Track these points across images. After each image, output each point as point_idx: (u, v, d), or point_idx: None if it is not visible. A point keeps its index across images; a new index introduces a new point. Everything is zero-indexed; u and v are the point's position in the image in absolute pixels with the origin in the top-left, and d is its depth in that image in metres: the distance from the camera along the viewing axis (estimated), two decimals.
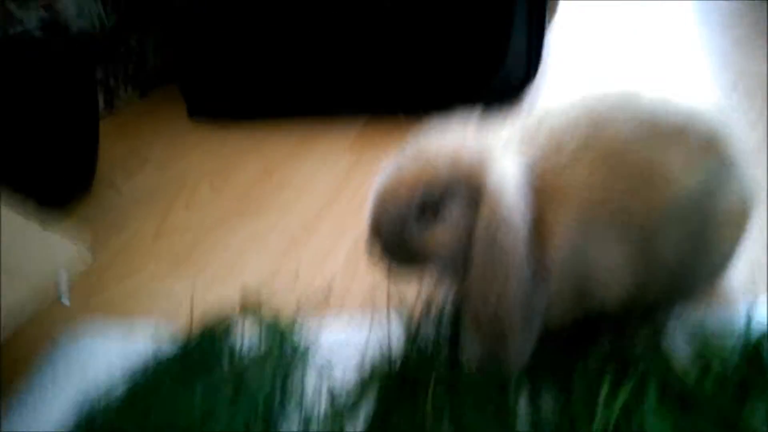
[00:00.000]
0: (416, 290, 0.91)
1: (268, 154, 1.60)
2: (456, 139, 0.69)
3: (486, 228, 0.63)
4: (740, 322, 0.78)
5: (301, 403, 0.74)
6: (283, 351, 0.83)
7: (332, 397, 0.75)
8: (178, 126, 1.89)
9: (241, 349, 0.83)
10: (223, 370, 0.79)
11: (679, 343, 0.76)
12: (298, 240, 1.16)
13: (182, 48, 1.83)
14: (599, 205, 0.65)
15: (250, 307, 0.94)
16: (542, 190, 0.65)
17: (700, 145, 0.67)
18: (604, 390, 0.66)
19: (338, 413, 0.71)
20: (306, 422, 0.71)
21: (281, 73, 1.71)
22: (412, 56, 1.61)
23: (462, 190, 0.66)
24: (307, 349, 0.83)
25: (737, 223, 0.74)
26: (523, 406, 0.71)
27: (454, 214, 0.67)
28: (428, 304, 0.87)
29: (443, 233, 0.68)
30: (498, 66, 1.57)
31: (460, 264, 0.68)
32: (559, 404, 0.70)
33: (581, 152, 0.66)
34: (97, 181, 1.46)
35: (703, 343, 0.75)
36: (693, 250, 0.71)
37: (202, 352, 0.82)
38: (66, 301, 0.84)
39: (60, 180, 1.34)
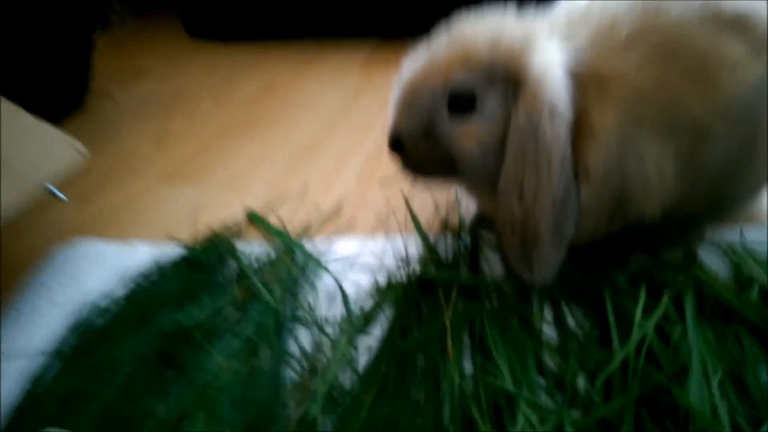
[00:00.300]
0: (433, 209, 0.86)
1: (272, 71, 1.53)
2: (496, 23, 0.61)
3: (528, 114, 0.57)
4: None
5: (312, 314, 0.69)
6: (293, 261, 0.78)
7: (346, 307, 0.70)
8: (176, 44, 1.80)
9: (248, 259, 0.78)
10: (228, 280, 0.74)
11: (714, 259, 0.72)
12: (307, 155, 1.10)
13: None
14: (650, 99, 0.59)
15: (257, 218, 0.89)
16: (589, 78, 0.59)
17: (763, 39, 0.61)
18: (639, 306, 0.61)
19: (352, 324, 0.66)
20: (318, 332, 0.66)
21: None
22: None
23: (502, 76, 0.59)
24: (317, 260, 0.78)
25: None
26: (548, 319, 0.66)
27: (492, 105, 0.60)
28: (446, 220, 0.82)
29: (479, 127, 0.61)
30: None
31: (494, 167, 0.61)
32: (588, 320, 0.66)
33: (635, 37, 0.59)
34: (93, 95, 1.39)
35: (741, 259, 0.70)
36: (740, 157, 0.65)
37: (207, 260, 0.77)
38: (63, 197, 0.79)
39: (52, 94, 1.26)
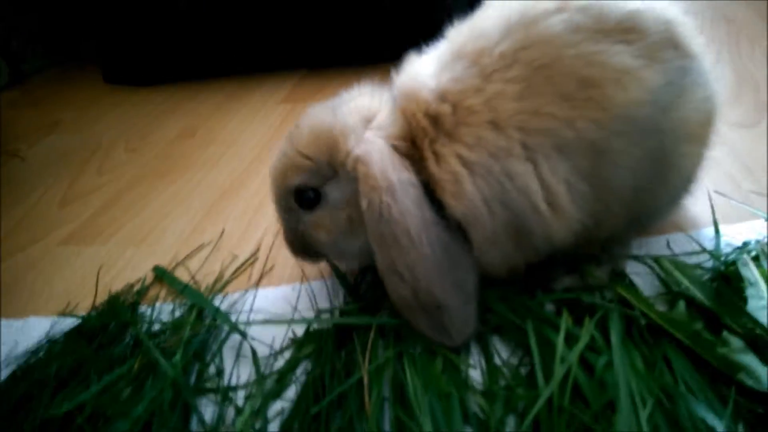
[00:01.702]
0: None
1: (192, 112, 1.46)
2: (318, 120, 0.64)
3: (369, 200, 0.58)
4: (700, 251, 0.71)
5: (217, 381, 0.63)
6: (201, 320, 0.71)
7: (256, 369, 0.64)
8: (94, 92, 1.72)
9: (151, 321, 0.71)
10: (126, 350, 0.67)
11: (642, 274, 0.69)
12: (224, 200, 1.04)
13: (97, 12, 1.65)
14: (524, 125, 0.56)
15: (164, 274, 0.82)
16: (438, 124, 0.59)
17: (655, 44, 0.57)
18: (561, 335, 0.57)
19: (262, 387, 0.60)
20: (223, 401, 0.60)
21: (206, 34, 1.57)
22: (347, 10, 1.49)
23: (335, 170, 0.63)
24: (227, 317, 0.71)
25: (700, 135, 0.63)
26: (474, 360, 0.62)
27: (334, 195, 0.64)
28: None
29: (326, 217, 0.65)
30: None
31: (354, 247, 0.65)
32: (516, 355, 0.61)
33: (503, 64, 0.56)
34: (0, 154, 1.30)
35: (667, 272, 0.67)
36: (653, 171, 0.60)
37: (103, 330, 0.70)
38: None
39: None
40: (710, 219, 0.77)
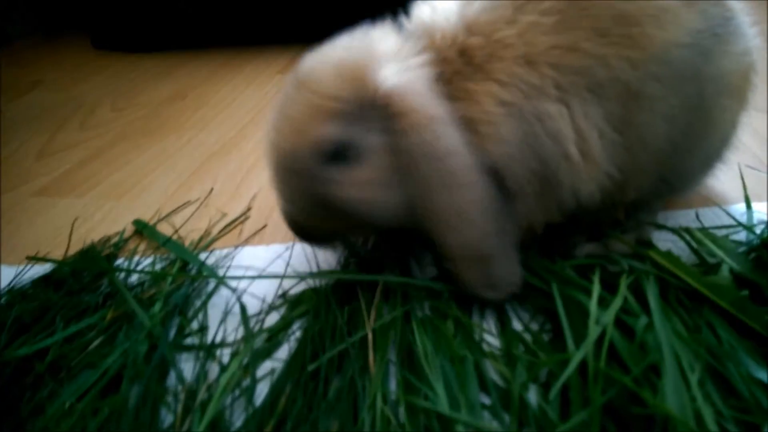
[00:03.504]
0: None
1: (182, 79, 1.39)
2: (336, 57, 0.52)
3: (415, 143, 0.48)
4: (732, 224, 0.66)
5: (200, 336, 0.56)
6: (185, 275, 0.64)
7: (244, 325, 0.57)
8: (81, 56, 1.64)
9: (129, 274, 0.64)
10: (99, 301, 0.59)
11: (670, 246, 0.63)
12: (213, 160, 0.97)
13: None
14: (555, 64, 0.50)
15: (146, 228, 0.75)
16: (467, 61, 0.51)
17: None
18: (594, 297, 0.50)
19: (251, 344, 0.53)
20: (206, 357, 0.53)
21: (200, 2, 1.50)
22: None
23: (367, 112, 0.50)
24: (213, 271, 0.64)
25: (740, 89, 0.58)
26: (490, 325, 0.55)
27: (370, 143, 0.51)
28: None
29: (364, 171, 0.52)
30: None
31: (396, 199, 0.52)
32: (536, 321, 0.55)
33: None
34: None
35: (700, 242, 0.61)
36: (688, 123, 0.55)
37: (74, 279, 0.62)
38: None
39: None
40: (738, 196, 0.72)
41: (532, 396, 0.47)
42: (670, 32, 0.51)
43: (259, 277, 0.63)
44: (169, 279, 0.61)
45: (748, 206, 0.69)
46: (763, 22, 1.34)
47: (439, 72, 0.52)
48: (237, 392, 0.49)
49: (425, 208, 0.51)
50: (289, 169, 0.53)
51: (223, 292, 0.63)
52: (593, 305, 0.48)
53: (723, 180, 0.78)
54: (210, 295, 0.61)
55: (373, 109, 0.50)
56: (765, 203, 0.71)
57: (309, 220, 0.56)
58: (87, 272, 0.64)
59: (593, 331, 0.46)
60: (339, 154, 0.51)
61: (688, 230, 0.64)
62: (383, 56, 0.52)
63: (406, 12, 0.60)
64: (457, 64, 0.52)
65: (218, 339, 0.56)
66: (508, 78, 0.50)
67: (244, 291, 0.62)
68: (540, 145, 0.51)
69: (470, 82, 0.51)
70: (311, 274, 0.62)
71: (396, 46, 0.53)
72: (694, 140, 0.58)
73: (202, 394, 0.47)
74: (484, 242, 0.51)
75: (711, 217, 0.70)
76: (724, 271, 0.54)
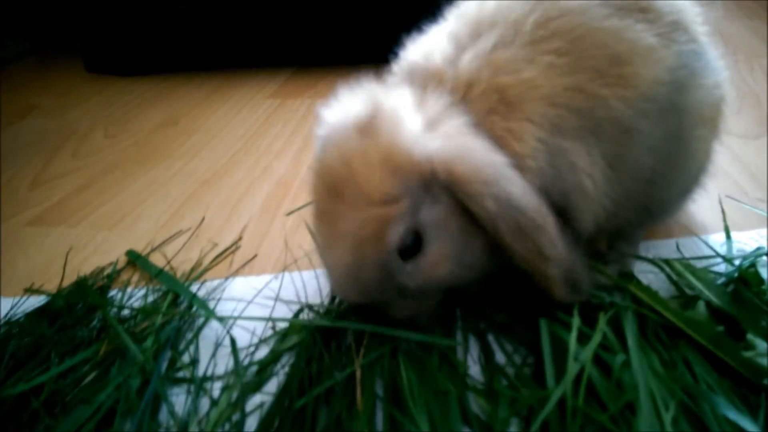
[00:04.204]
0: None
1: (176, 103, 1.41)
2: (365, 146, 0.49)
3: (492, 202, 0.48)
4: (711, 255, 0.68)
5: (191, 370, 0.57)
6: (176, 307, 0.65)
7: (234, 358, 0.58)
8: (75, 80, 1.65)
9: (122, 306, 0.65)
10: (92, 334, 0.61)
11: (650, 277, 0.65)
12: (205, 189, 0.98)
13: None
14: (567, 104, 0.52)
15: (138, 258, 0.76)
16: (492, 104, 0.52)
17: (669, 25, 0.56)
18: (573, 333, 0.52)
19: (240, 378, 0.54)
20: (197, 392, 0.54)
21: (193, 26, 1.51)
22: (338, 8, 1.46)
23: (425, 189, 0.50)
24: (203, 303, 0.66)
25: (712, 120, 0.62)
26: (474, 358, 0.57)
27: (433, 218, 0.50)
28: None
29: (436, 249, 0.51)
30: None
31: (479, 255, 0.53)
32: (518, 354, 0.57)
33: (538, 43, 0.52)
34: None
35: (680, 274, 0.63)
36: (669, 154, 0.58)
37: (68, 312, 0.63)
38: None
39: None
40: (718, 225, 0.74)
41: (513, 429, 0.48)
42: (654, 70, 0.54)
43: (247, 318, 0.64)
44: (161, 313, 0.62)
45: (728, 236, 0.71)
46: (761, 42, 1.38)
47: (473, 114, 0.53)
48: (227, 426, 0.50)
49: (522, 254, 0.50)
50: (361, 279, 0.51)
51: (214, 324, 0.64)
52: (572, 341, 0.50)
53: (704, 208, 0.80)
54: (201, 328, 0.62)
55: (430, 185, 0.50)
56: (745, 233, 0.73)
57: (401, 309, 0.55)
58: (81, 305, 0.65)
59: (572, 368, 0.47)
60: (413, 244, 0.51)
61: (667, 262, 0.66)
62: (413, 123, 0.50)
63: (394, 37, 0.61)
64: (490, 102, 0.52)
65: (209, 372, 0.57)
66: (539, 118, 0.52)
67: (234, 323, 0.64)
68: (562, 179, 0.53)
69: (510, 121, 0.52)
70: (296, 321, 0.62)
71: (416, 102, 0.53)
72: (674, 170, 0.61)
73: (193, 429, 0.48)
74: (567, 260, 0.52)
75: (691, 247, 0.72)
76: (701, 306, 0.55)
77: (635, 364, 0.47)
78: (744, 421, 0.43)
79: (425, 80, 0.55)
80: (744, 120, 1.06)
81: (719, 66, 0.63)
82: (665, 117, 0.56)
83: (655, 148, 0.56)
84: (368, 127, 0.49)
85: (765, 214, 0.76)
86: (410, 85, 0.56)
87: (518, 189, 0.49)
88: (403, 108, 0.51)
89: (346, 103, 0.54)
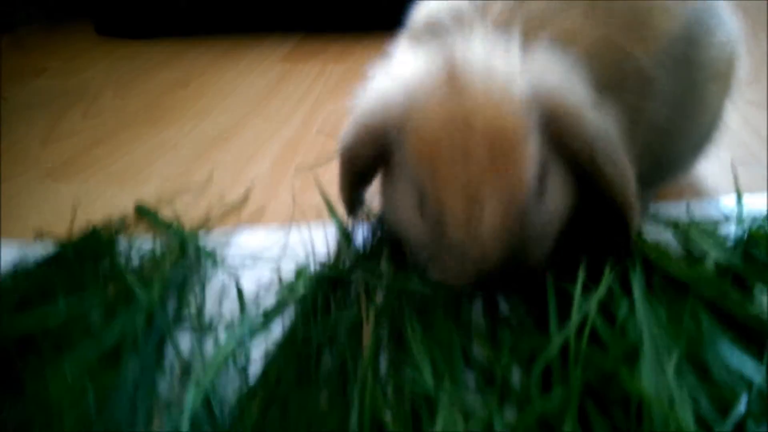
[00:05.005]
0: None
1: (186, 66, 1.40)
2: (489, 85, 0.47)
3: (588, 133, 0.49)
4: (722, 217, 0.67)
5: (197, 315, 0.57)
6: (184, 257, 0.66)
7: (240, 303, 0.58)
8: (85, 43, 1.65)
9: (130, 255, 0.66)
10: (101, 280, 0.61)
11: (660, 236, 0.64)
12: (215, 146, 0.99)
13: None
14: (601, 57, 0.53)
15: (146, 211, 0.77)
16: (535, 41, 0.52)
17: None
18: (578, 283, 0.51)
19: (246, 323, 0.55)
20: (203, 335, 0.54)
21: None
22: None
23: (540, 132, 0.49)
24: (211, 253, 0.66)
25: (725, 75, 0.64)
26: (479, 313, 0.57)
27: (545, 157, 0.50)
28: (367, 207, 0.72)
29: (554, 185, 0.51)
30: None
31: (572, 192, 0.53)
32: (523, 307, 0.56)
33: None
34: None
35: (690, 234, 0.62)
36: (682, 107, 0.59)
37: (78, 258, 0.64)
38: None
39: None
40: (729, 189, 0.73)
41: (516, 376, 0.48)
42: (672, 23, 0.56)
43: (257, 259, 0.64)
44: (168, 261, 0.63)
45: (739, 199, 0.70)
46: (764, 20, 1.36)
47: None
48: (231, 369, 0.50)
49: (604, 182, 0.51)
50: (510, 237, 0.48)
51: (221, 276, 0.64)
52: (577, 292, 0.49)
53: (715, 174, 0.80)
54: (208, 277, 0.63)
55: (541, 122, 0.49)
56: (757, 196, 0.72)
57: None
58: (89, 254, 0.65)
59: (576, 316, 0.47)
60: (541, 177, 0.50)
61: (677, 223, 0.65)
62: (503, 63, 0.49)
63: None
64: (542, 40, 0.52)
65: (215, 320, 0.58)
66: (583, 66, 0.52)
67: (242, 274, 0.64)
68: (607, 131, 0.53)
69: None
70: (305, 266, 0.63)
71: (491, 42, 0.51)
72: (688, 121, 0.62)
73: (197, 369, 0.49)
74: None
75: (702, 210, 0.71)
76: (708, 262, 0.55)
77: (640, 311, 0.47)
78: (748, 367, 0.43)
79: (454, 32, 0.53)
80: (758, 88, 1.06)
81: (732, 23, 0.64)
82: (680, 70, 0.57)
83: (671, 100, 0.57)
84: (464, 80, 0.48)
85: None
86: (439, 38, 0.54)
87: (602, 120, 0.50)
88: (482, 51, 0.49)
89: (411, 64, 0.52)
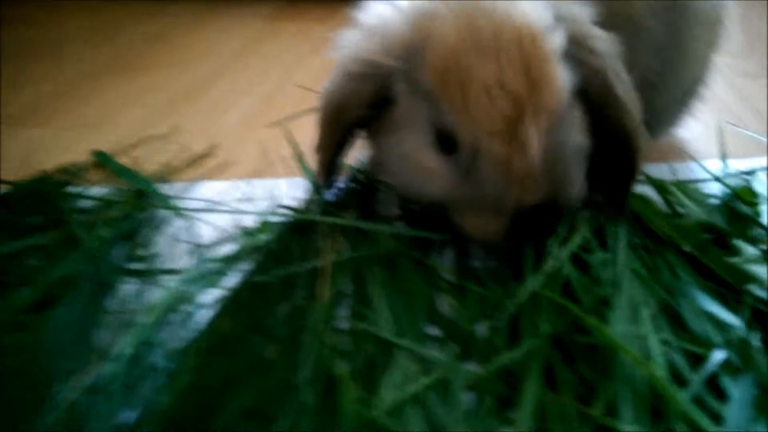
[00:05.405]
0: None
1: (165, 20, 1.34)
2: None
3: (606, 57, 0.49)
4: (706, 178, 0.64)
5: (147, 262, 0.54)
6: (139, 205, 0.62)
7: (195, 250, 0.55)
8: None
9: (79, 196, 0.62)
10: (47, 225, 0.57)
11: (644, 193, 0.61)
12: (185, 99, 0.94)
13: None
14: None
15: (105, 158, 0.73)
16: None
17: None
18: (559, 235, 0.48)
19: (197, 271, 0.51)
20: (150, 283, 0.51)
21: None
22: None
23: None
24: (166, 199, 0.62)
25: (710, 23, 0.63)
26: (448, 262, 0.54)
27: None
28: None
29: (581, 121, 0.50)
30: None
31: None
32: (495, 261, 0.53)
33: None
34: None
35: (673, 195, 0.60)
36: (669, 55, 0.59)
37: (22, 203, 0.60)
38: None
39: None
40: (715, 153, 0.70)
41: (482, 329, 0.45)
42: None
43: (215, 211, 0.61)
44: (122, 208, 0.59)
45: (724, 159, 0.67)
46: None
47: None
48: (178, 316, 0.47)
49: (619, 113, 0.50)
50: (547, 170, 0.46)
51: (178, 224, 0.60)
52: (554, 244, 0.46)
53: (702, 137, 0.77)
54: (162, 223, 0.59)
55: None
56: (742, 160, 0.70)
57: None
58: (37, 198, 0.61)
59: (548, 266, 0.44)
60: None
61: (661, 182, 0.62)
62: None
63: None
64: None
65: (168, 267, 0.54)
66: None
67: (200, 224, 0.60)
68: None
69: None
70: (269, 212, 0.59)
71: None
72: (674, 72, 0.62)
73: (141, 316, 0.45)
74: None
75: (686, 172, 0.69)
76: (690, 216, 0.52)
77: (618, 263, 0.44)
78: (724, 315, 0.40)
79: None
80: (750, 60, 1.05)
81: None
82: (668, 14, 0.57)
83: (659, 49, 0.57)
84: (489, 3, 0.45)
85: (765, 139, 0.73)
86: None
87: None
88: None
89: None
